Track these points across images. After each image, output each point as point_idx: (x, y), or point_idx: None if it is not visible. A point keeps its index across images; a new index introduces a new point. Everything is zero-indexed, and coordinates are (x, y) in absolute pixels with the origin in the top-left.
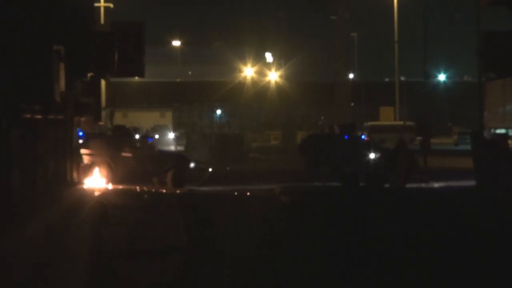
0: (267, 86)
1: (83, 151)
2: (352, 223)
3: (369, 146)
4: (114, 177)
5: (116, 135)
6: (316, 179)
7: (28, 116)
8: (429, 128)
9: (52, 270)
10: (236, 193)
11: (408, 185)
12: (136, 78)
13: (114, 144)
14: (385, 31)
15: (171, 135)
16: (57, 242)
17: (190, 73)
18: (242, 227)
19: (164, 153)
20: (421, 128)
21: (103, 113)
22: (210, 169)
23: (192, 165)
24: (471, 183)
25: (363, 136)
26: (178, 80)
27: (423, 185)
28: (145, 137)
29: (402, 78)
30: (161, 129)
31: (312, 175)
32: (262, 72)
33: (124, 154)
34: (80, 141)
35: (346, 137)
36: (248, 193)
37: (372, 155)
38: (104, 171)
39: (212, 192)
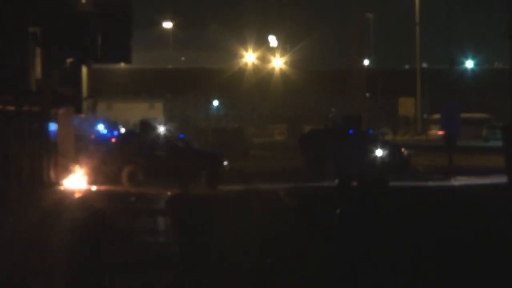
0: (270, 73)
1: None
2: (354, 233)
3: (377, 142)
4: (146, 179)
5: (145, 132)
6: (322, 179)
7: None
8: (455, 122)
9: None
10: (235, 196)
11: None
12: (122, 64)
13: (146, 142)
14: (405, 12)
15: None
16: (33, 252)
17: (183, 59)
18: (241, 234)
19: (198, 151)
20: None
21: (85, 104)
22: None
23: (225, 163)
24: (501, 181)
25: (370, 131)
26: (169, 67)
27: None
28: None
29: (424, 65)
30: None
31: (316, 175)
32: (265, 58)
33: (157, 153)
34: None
35: (350, 131)
36: (249, 196)
37: (379, 152)
38: (138, 173)
39: (206, 195)
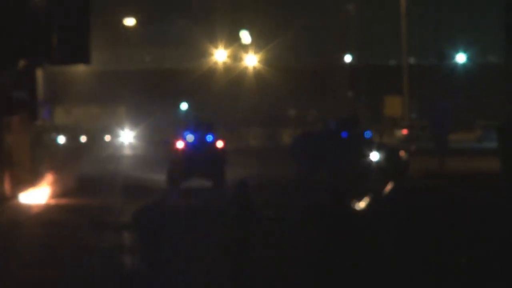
0: (243, 73)
1: None
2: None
3: (374, 146)
4: None
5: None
6: (309, 190)
7: None
8: (447, 122)
9: None
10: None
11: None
12: (81, 66)
13: None
14: (390, 2)
15: (126, 137)
16: None
17: (148, 60)
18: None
19: None
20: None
21: (40, 110)
22: None
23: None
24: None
25: (368, 133)
26: (132, 68)
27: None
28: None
29: (412, 61)
30: (109, 129)
31: (303, 185)
32: (238, 56)
33: None
34: None
35: (344, 134)
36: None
37: (376, 156)
38: None
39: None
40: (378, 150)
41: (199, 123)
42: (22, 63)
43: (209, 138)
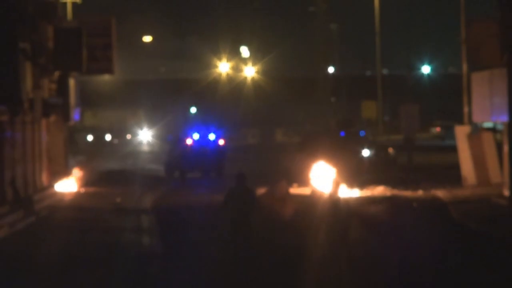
0: (243, 82)
1: None
2: None
3: (366, 143)
4: None
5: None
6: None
7: None
8: (413, 123)
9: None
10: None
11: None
12: (106, 76)
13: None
14: (366, 23)
15: (144, 136)
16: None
17: (163, 70)
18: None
19: None
20: (405, 124)
21: (72, 113)
22: None
23: None
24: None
25: (362, 133)
26: (150, 77)
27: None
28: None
29: (385, 72)
30: (130, 129)
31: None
32: (238, 67)
33: None
34: None
35: (342, 133)
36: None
37: (367, 152)
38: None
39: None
40: (369, 147)
41: (205, 124)
42: (57, 74)
43: (212, 137)
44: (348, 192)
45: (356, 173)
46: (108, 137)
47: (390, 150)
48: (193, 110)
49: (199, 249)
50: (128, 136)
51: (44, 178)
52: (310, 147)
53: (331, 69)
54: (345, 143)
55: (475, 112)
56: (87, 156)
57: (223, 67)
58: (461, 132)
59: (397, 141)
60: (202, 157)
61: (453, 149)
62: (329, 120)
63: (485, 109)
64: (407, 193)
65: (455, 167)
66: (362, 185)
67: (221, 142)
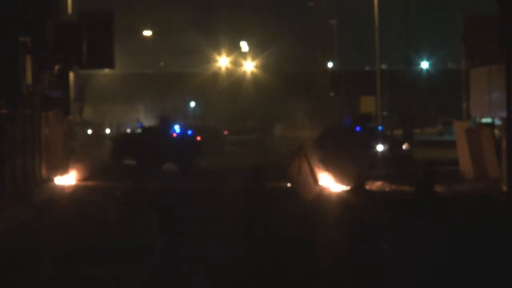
0: (242, 76)
1: None
2: None
3: (381, 138)
4: None
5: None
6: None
7: None
8: (411, 118)
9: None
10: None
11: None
12: (106, 70)
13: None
14: (365, 18)
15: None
16: (30, 238)
17: (162, 65)
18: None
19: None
20: (404, 119)
21: (72, 107)
22: None
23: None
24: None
25: (380, 128)
26: (149, 71)
27: None
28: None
29: (384, 67)
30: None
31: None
32: (238, 62)
33: None
34: None
35: (357, 128)
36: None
37: (381, 148)
38: None
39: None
40: (383, 142)
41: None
42: (57, 67)
43: (189, 132)
44: (342, 187)
45: (365, 169)
46: (107, 131)
47: (405, 145)
48: (192, 104)
49: (202, 245)
50: (128, 130)
51: (44, 171)
52: (328, 142)
53: (330, 64)
54: (361, 138)
55: (474, 107)
56: (86, 150)
57: (222, 61)
58: (460, 127)
59: (397, 136)
60: (159, 148)
61: (451, 144)
62: (331, 115)
63: (483, 104)
64: (405, 188)
65: (454, 163)
66: (362, 180)
67: (196, 137)
